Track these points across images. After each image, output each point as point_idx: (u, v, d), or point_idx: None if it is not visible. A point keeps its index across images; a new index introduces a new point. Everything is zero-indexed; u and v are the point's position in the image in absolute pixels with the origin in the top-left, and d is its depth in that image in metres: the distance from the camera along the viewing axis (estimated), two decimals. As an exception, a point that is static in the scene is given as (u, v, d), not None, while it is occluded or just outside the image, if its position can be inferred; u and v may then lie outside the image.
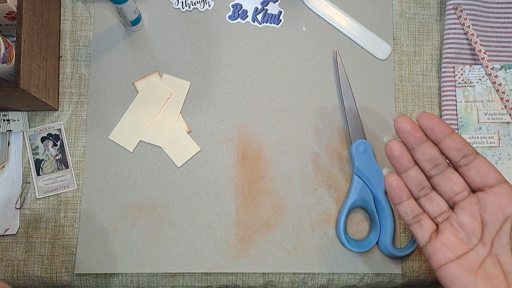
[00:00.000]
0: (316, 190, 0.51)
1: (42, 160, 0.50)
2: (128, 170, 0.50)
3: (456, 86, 0.51)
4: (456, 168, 0.38)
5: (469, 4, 0.51)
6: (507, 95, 0.51)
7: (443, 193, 0.38)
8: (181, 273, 0.49)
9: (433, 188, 0.39)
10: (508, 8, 0.52)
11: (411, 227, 0.39)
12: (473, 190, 0.38)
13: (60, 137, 0.51)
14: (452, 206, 0.39)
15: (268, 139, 0.51)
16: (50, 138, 0.50)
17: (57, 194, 0.50)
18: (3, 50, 0.42)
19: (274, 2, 0.53)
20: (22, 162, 0.50)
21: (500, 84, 0.51)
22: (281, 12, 0.53)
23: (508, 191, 0.36)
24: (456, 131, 0.51)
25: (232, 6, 0.53)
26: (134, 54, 0.52)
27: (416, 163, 0.39)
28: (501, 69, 0.51)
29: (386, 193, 0.49)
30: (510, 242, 0.36)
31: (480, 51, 0.51)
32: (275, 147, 0.51)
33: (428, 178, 0.39)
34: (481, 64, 0.51)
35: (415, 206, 0.38)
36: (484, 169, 0.37)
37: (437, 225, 0.39)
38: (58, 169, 0.50)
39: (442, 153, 0.38)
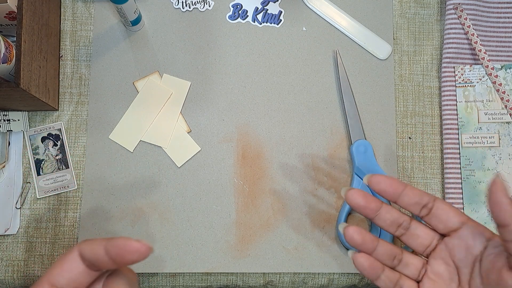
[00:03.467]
0: (316, 190, 0.51)
1: (43, 160, 0.50)
2: (128, 170, 0.50)
3: (456, 86, 0.51)
4: (420, 219, 0.39)
5: (469, 4, 0.51)
6: (507, 95, 0.51)
7: (415, 248, 0.39)
8: (181, 273, 0.49)
9: (404, 243, 0.39)
10: (508, 8, 0.52)
11: None
12: (442, 235, 0.39)
13: (60, 137, 0.51)
14: (426, 257, 0.39)
15: (268, 139, 0.51)
16: (50, 138, 0.50)
17: (57, 194, 0.50)
18: (3, 50, 0.42)
19: (274, 2, 0.53)
20: (23, 162, 0.50)
21: (500, 84, 0.51)
22: (281, 12, 0.53)
23: (471, 231, 0.37)
24: (456, 131, 0.51)
25: (232, 6, 0.53)
26: (134, 54, 0.52)
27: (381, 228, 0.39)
28: (501, 69, 0.51)
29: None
30: (482, 282, 0.36)
31: (480, 51, 0.51)
32: (275, 147, 0.51)
33: (396, 237, 0.39)
34: (481, 64, 0.51)
35: (392, 275, 0.38)
36: (443, 215, 0.37)
37: (418, 282, 0.39)
38: (58, 169, 0.50)
39: (403, 209, 0.39)
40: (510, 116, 0.51)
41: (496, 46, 0.52)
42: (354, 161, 0.49)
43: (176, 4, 0.53)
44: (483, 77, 0.51)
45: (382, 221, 0.38)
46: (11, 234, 0.49)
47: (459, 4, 0.51)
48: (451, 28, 0.52)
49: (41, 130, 0.50)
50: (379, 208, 0.38)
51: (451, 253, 0.37)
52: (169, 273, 0.49)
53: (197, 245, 0.49)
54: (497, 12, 0.52)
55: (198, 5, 0.53)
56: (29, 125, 0.50)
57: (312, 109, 0.52)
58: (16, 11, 0.45)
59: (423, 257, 0.39)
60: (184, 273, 0.50)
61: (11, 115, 0.50)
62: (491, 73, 0.51)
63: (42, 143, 0.50)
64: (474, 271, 0.36)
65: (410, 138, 0.52)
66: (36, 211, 0.50)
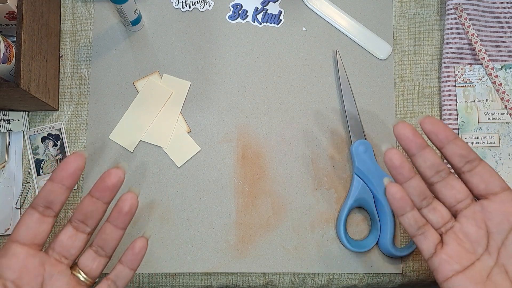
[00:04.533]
0: (316, 190, 0.51)
1: (43, 160, 0.50)
2: (128, 170, 0.50)
3: (456, 86, 0.51)
4: (459, 175, 0.37)
5: (469, 4, 0.51)
6: (507, 95, 0.51)
7: (445, 200, 0.37)
8: (181, 273, 0.49)
9: (435, 195, 0.38)
10: (508, 8, 0.52)
11: (415, 238, 0.37)
12: (476, 198, 0.37)
13: (60, 137, 0.51)
14: (454, 215, 0.37)
15: (268, 139, 0.51)
16: (50, 138, 0.50)
17: (57, 194, 0.50)
18: (3, 50, 0.42)
19: (274, 2, 0.53)
20: (23, 162, 0.50)
21: (500, 84, 0.51)
22: (281, 12, 0.53)
23: None
24: (456, 131, 0.51)
25: (232, 6, 0.53)
26: (134, 54, 0.52)
27: (417, 170, 0.37)
28: (501, 69, 0.51)
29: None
30: None
31: (480, 51, 0.51)
32: (275, 147, 0.51)
33: (430, 185, 0.38)
34: (481, 64, 0.51)
35: (418, 217, 0.37)
36: (488, 175, 0.36)
37: (441, 235, 0.37)
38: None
39: (445, 158, 0.37)
40: (510, 116, 0.51)
41: (496, 46, 0.52)
42: (354, 161, 0.49)
43: (176, 4, 0.53)
44: (483, 77, 0.51)
45: (422, 161, 0.36)
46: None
47: (459, 4, 0.51)
48: (451, 28, 0.52)
49: (41, 130, 0.50)
50: (424, 147, 0.36)
51: (487, 216, 0.36)
52: (169, 273, 0.49)
53: (197, 245, 0.49)
54: (497, 12, 0.52)
55: (198, 5, 0.53)
56: (29, 125, 0.50)
57: (312, 109, 0.52)
58: (16, 11, 0.45)
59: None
60: (184, 273, 0.50)
61: (11, 115, 0.50)
62: (491, 73, 0.51)
63: (42, 143, 0.50)
64: (508, 239, 0.35)
65: (410, 138, 0.52)
66: (36, 211, 0.50)
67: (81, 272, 0.38)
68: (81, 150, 0.37)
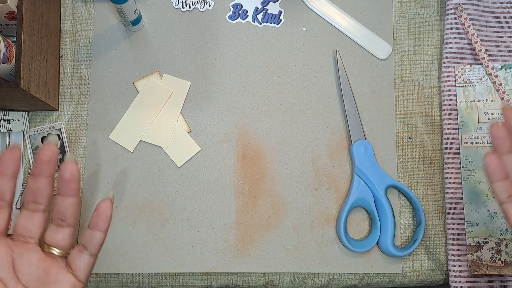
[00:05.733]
0: (316, 190, 0.51)
1: (42, 160, 0.50)
2: (128, 170, 0.50)
3: (456, 86, 0.51)
4: None
5: (469, 4, 0.51)
6: (507, 94, 0.51)
7: None
8: (181, 273, 0.49)
9: None
10: (508, 8, 0.52)
11: (503, 205, 0.38)
12: None
13: (60, 137, 0.51)
14: None
15: (268, 139, 0.51)
16: (50, 138, 0.50)
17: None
18: (3, 50, 0.42)
19: (274, 2, 0.53)
20: (23, 162, 0.50)
21: (500, 84, 0.51)
22: (281, 12, 0.53)
23: None
24: (456, 131, 0.51)
25: (232, 6, 0.53)
26: (134, 54, 0.52)
27: None
28: (501, 69, 0.51)
29: (386, 192, 0.49)
30: None
31: (480, 51, 0.51)
32: (275, 147, 0.51)
33: None
34: (482, 64, 0.51)
35: (510, 187, 0.38)
36: None
37: None
38: (59, 169, 0.50)
39: None
40: (510, 116, 0.51)
41: (496, 46, 0.52)
42: (354, 161, 0.49)
43: (176, 4, 0.53)
44: (483, 77, 0.51)
45: None
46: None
47: (459, 4, 0.51)
48: (451, 28, 0.52)
49: (41, 130, 0.50)
50: None
51: None
52: (169, 273, 0.49)
53: (197, 245, 0.49)
54: (497, 12, 0.52)
55: (198, 5, 0.53)
56: (29, 125, 0.50)
57: (312, 109, 0.52)
58: (16, 11, 0.45)
59: None
60: (184, 273, 0.50)
61: (11, 115, 0.50)
62: (491, 73, 0.51)
63: (42, 143, 0.50)
64: None
65: (410, 138, 0.52)
66: (36, 211, 0.50)
67: (52, 248, 0.38)
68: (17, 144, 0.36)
